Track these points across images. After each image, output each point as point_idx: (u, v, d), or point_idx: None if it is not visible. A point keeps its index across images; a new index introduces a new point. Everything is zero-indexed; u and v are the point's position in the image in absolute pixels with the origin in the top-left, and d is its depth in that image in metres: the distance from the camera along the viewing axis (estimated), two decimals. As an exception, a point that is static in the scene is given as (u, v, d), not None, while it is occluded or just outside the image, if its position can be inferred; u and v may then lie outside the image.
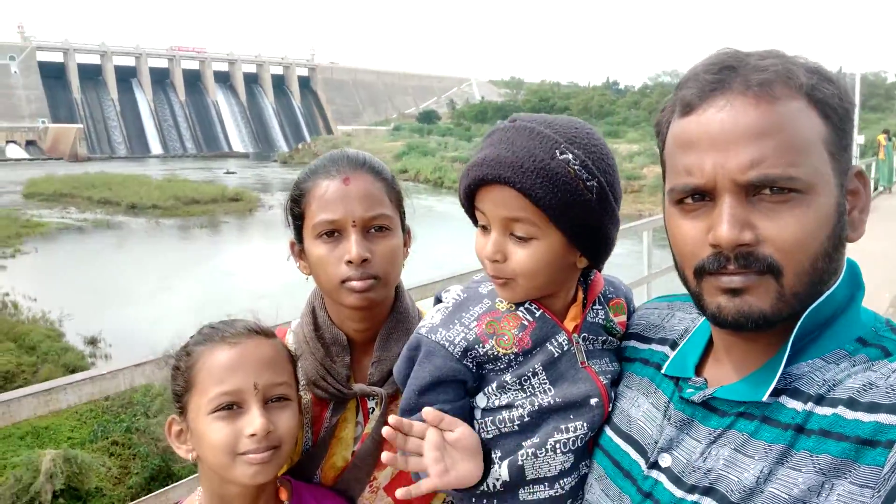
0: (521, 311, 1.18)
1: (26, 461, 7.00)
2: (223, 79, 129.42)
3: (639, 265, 6.44)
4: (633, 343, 1.24)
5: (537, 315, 1.18)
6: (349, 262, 1.29)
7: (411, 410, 1.17)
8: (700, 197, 0.92)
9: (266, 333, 1.28)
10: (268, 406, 1.20)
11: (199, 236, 30.05)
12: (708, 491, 0.92)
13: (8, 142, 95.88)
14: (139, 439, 7.88)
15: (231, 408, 1.18)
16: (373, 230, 1.33)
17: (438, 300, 1.26)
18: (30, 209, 35.90)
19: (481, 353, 1.15)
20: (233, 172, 63.09)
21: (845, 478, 0.81)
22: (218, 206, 36.49)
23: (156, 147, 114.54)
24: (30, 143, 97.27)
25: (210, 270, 20.29)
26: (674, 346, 1.14)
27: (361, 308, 1.34)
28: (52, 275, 20.56)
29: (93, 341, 14.15)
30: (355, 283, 1.30)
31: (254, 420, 1.16)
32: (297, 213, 1.38)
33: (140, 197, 38.06)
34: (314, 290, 1.47)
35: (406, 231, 1.45)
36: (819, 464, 0.83)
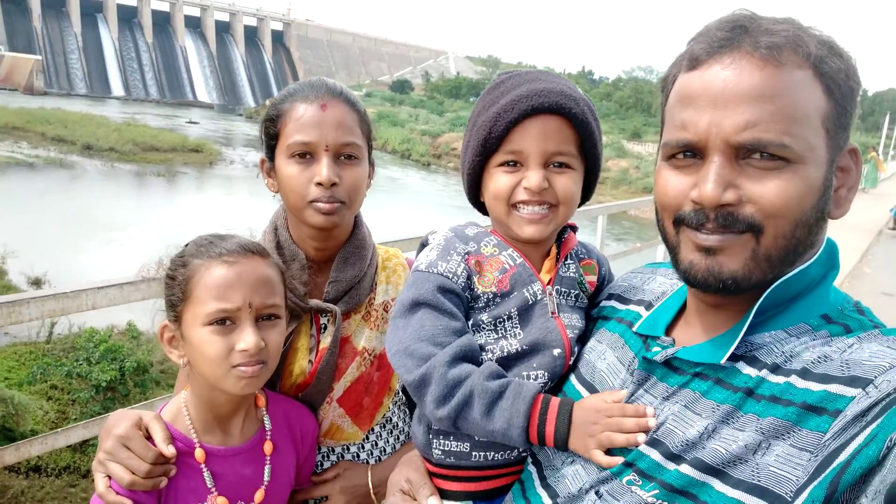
0: (504, 256, 1.23)
1: (-41, 397, 6.86)
2: (193, 24, 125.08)
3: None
4: (613, 303, 1.28)
5: (518, 262, 1.23)
6: (319, 183, 1.36)
7: (427, 304, 1.16)
8: (691, 154, 0.93)
9: (261, 253, 1.32)
10: (259, 323, 1.27)
11: (154, 184, 29.37)
12: (653, 443, 0.95)
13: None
14: (79, 385, 7.78)
15: (224, 323, 1.24)
16: (343, 157, 1.40)
17: (423, 245, 1.28)
18: (-22, 139, 34.47)
19: (470, 286, 1.20)
20: (195, 122, 61.56)
21: (785, 439, 0.82)
22: (177, 155, 35.67)
23: (117, 88, 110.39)
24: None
25: (163, 222, 19.88)
26: (649, 307, 1.17)
27: (325, 228, 1.42)
28: (-3, 210, 19.89)
29: (36, 282, 13.82)
30: (322, 205, 1.37)
31: (247, 337, 1.23)
32: (272, 132, 1.44)
33: (97, 138, 36.92)
34: (277, 211, 1.54)
35: (371, 163, 1.52)
36: (762, 426, 0.85)
